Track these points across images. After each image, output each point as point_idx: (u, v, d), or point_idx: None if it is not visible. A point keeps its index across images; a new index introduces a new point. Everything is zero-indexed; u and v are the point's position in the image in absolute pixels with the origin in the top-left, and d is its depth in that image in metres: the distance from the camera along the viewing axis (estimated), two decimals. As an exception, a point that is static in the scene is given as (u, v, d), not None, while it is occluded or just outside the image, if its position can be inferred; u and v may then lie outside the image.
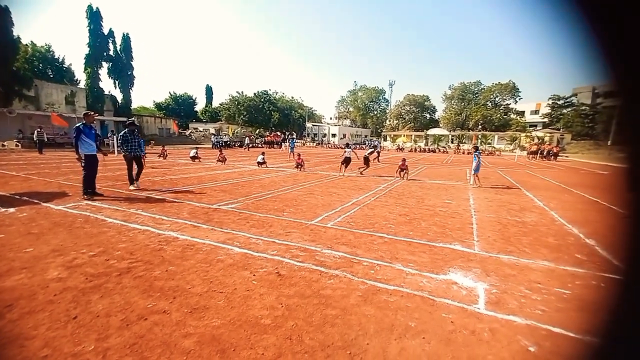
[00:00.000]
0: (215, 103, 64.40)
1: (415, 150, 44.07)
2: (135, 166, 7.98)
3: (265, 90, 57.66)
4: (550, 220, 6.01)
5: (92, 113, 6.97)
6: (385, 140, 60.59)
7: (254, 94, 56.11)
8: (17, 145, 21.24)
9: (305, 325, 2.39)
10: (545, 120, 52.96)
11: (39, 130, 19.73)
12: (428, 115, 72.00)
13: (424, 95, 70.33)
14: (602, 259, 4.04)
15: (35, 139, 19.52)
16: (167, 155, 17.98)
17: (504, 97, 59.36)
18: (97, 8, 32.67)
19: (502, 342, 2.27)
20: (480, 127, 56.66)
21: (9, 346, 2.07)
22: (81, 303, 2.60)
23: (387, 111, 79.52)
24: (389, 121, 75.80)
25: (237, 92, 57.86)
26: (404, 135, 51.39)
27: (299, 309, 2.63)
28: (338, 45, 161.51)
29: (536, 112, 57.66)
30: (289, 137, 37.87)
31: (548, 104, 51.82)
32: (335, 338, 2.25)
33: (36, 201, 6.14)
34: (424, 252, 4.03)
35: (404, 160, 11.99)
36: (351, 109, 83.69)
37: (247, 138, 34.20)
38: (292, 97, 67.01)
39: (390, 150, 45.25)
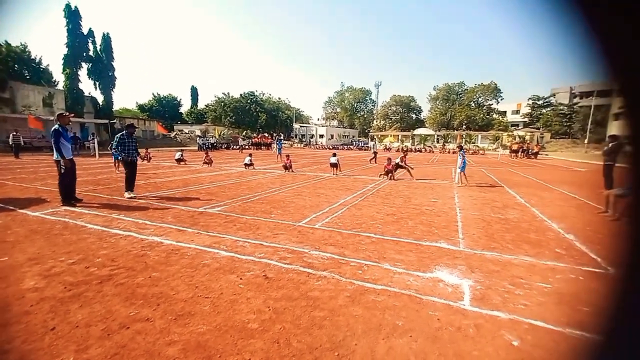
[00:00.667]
0: (201, 104, 63.43)
1: (402, 150, 44.62)
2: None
3: (251, 92, 57.28)
4: (532, 216, 6.19)
5: (67, 114, 6.52)
6: (373, 140, 61.11)
7: (241, 95, 55.63)
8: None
9: (293, 328, 2.37)
10: (526, 119, 54.71)
11: (14, 133, 18.94)
12: (414, 116, 73.16)
13: (410, 96, 71.47)
14: (580, 252, 4.19)
15: (10, 143, 18.71)
16: (150, 158, 17.55)
17: (487, 98, 60.97)
18: (75, 7, 31.66)
19: (487, 337, 2.32)
20: (464, 126, 57.99)
21: (-20, 362, 1.97)
22: (59, 313, 2.50)
23: (374, 112, 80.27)
24: (376, 121, 76.53)
25: (223, 93, 57.24)
26: (391, 136, 51.96)
27: (287, 311, 2.61)
28: (324, 45, 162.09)
29: (517, 112, 59.52)
30: (277, 138, 37.71)
31: (528, 104, 53.59)
32: (323, 340, 2.24)
33: (11, 208, 5.88)
34: (410, 251, 4.07)
35: (389, 159, 12.10)
36: (338, 110, 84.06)
37: (240, 139, 33.68)
38: (279, 98, 66.83)
39: (378, 150, 45.65)
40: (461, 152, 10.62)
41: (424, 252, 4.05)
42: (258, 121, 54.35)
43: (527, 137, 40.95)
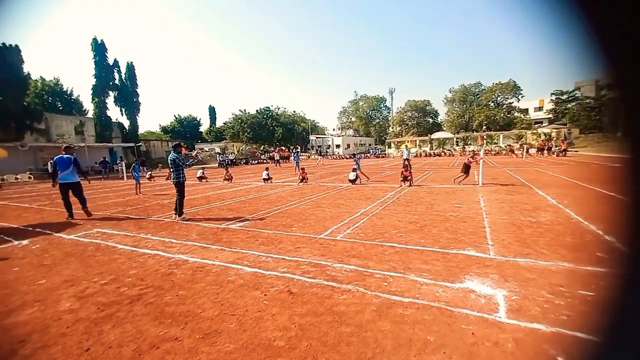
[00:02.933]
0: (219, 122, 65.58)
1: (420, 155, 43.85)
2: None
3: (267, 107, 58.62)
4: (566, 218, 5.84)
5: (70, 145, 7.79)
6: (389, 147, 60.54)
7: (257, 111, 57.05)
8: (30, 178, 21.81)
9: (320, 346, 2.32)
10: (550, 116, 52.42)
11: (51, 161, 20.31)
12: (431, 120, 72.01)
13: (425, 100, 70.56)
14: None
15: (50, 170, 20.05)
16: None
17: (506, 96, 59.13)
18: (101, 40, 34.03)
19: (528, 353, 2.16)
20: (484, 127, 56.34)
21: (22, 384, 2.05)
22: (93, 334, 2.58)
23: (390, 118, 79.77)
24: (392, 128, 75.92)
25: (239, 110, 58.92)
26: (408, 141, 51.28)
27: (313, 328, 2.56)
28: (337, 56, 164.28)
29: (540, 108, 57.18)
30: (294, 151, 38.13)
31: (551, 99, 51.38)
32: (351, 358, 2.17)
33: (48, 232, 6.23)
34: (437, 260, 3.93)
35: (406, 163, 11.89)
36: (353, 119, 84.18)
37: (275, 154, 33.81)
38: (294, 112, 67.86)
39: (396, 157, 45.11)
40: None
41: (451, 260, 3.89)
42: (275, 135, 55.34)
43: (554, 134, 39.16)
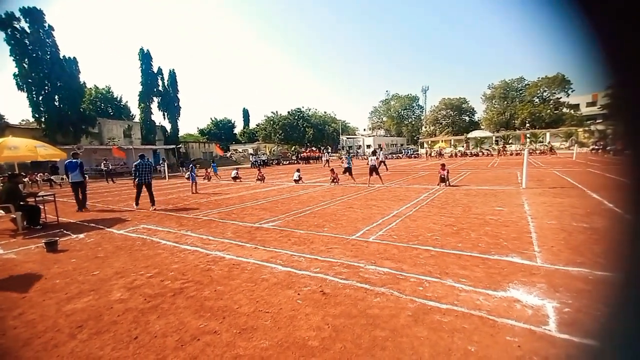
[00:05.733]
0: (252, 124, 67.67)
1: (456, 155, 41.97)
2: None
3: (298, 108, 59.42)
4: (626, 224, 5.25)
5: (77, 151, 9.70)
6: (422, 147, 58.65)
7: (288, 112, 58.05)
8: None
9: (354, 348, 2.29)
10: (606, 111, 47.58)
11: (105, 162, 22.28)
12: (467, 118, 68.67)
13: (461, 97, 67.43)
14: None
15: (104, 170, 22.00)
16: (210, 177, 19.08)
17: (553, 91, 54.70)
18: (147, 50, 36.59)
19: (584, 371, 1.96)
20: (528, 125, 52.61)
21: (81, 365, 2.25)
22: (141, 324, 2.77)
23: (422, 118, 77.31)
24: (425, 128, 73.51)
25: (272, 112, 60.30)
26: (442, 141, 49.35)
27: (346, 330, 2.54)
28: (369, 55, 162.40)
29: (593, 103, 52.13)
30: (324, 152, 38.30)
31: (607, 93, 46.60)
32: (387, 363, 2.12)
33: (101, 227, 6.81)
34: (476, 265, 3.72)
35: (443, 165, 11.45)
36: (385, 119, 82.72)
37: (326, 154, 33.00)
38: (325, 112, 68.17)
39: (429, 157, 43.61)
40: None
41: (492, 267, 3.67)
42: (306, 136, 55.94)
43: (610, 132, 35.55)
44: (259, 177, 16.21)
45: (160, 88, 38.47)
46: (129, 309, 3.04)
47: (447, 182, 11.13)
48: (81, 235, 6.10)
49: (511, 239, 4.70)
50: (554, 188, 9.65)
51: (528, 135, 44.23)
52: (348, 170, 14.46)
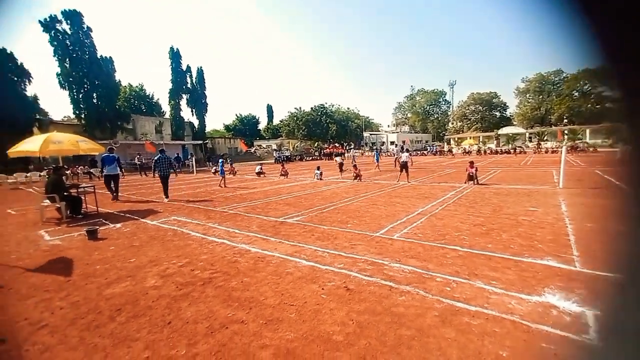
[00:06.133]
0: (276, 120, 68.53)
1: (485, 152, 40.25)
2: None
3: (322, 104, 59.36)
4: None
5: (112, 147, 10.52)
6: (449, 143, 56.77)
7: (311, 108, 58.16)
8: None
9: (379, 345, 2.28)
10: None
11: (138, 156, 23.57)
12: (498, 114, 65.53)
13: (491, 92, 64.40)
14: None
15: (137, 164, 23.27)
16: (236, 172, 19.59)
17: (596, 85, 50.80)
18: (177, 49, 37.96)
19: (629, 384, 1.83)
20: (565, 120, 49.36)
21: (119, 346, 2.40)
22: (173, 310, 2.91)
23: (449, 113, 74.71)
24: (452, 124, 71.02)
25: (295, 108, 60.70)
26: (470, 138, 47.48)
27: (371, 326, 2.53)
28: (394, 50, 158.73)
29: (642, 97, 47.89)
30: (347, 148, 38.10)
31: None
32: (413, 362, 2.09)
33: (136, 217, 7.20)
34: (508, 268, 3.56)
35: (471, 163, 11.02)
36: (409, 115, 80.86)
37: (353, 150, 32.04)
38: (348, 108, 67.65)
39: (456, 154, 42.14)
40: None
41: (526, 270, 3.50)
42: (328, 132, 55.87)
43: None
44: (283, 173, 16.41)
45: (188, 85, 39.82)
46: (163, 296, 3.20)
47: (476, 180, 10.71)
48: (118, 225, 6.49)
49: (547, 241, 4.45)
50: (595, 189, 9.01)
51: (566, 132, 41.51)
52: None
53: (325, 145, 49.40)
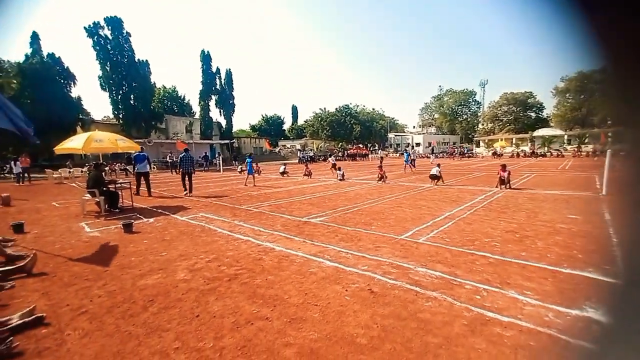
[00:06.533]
0: (300, 120, 69.16)
1: (518, 155, 38.25)
2: None
3: (346, 105, 59.16)
4: None
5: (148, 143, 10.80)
6: (478, 146, 54.54)
7: (336, 109, 58.10)
8: (153, 168, 26.80)
9: (404, 351, 2.23)
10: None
11: (170, 154, 24.74)
12: (533, 114, 62.02)
13: (526, 91, 61.06)
14: None
15: (169, 162, 24.43)
16: (260, 172, 19.97)
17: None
18: (207, 51, 39.40)
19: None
20: (610, 122, 45.73)
21: (151, 335, 2.52)
22: (201, 303, 3.01)
23: (479, 114, 71.76)
24: (482, 125, 68.15)
25: (320, 109, 60.86)
26: (502, 139, 45.32)
27: (396, 331, 2.47)
28: (421, 49, 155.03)
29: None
30: (371, 149, 37.70)
31: None
32: (440, 371, 2.02)
33: (167, 213, 7.54)
34: (544, 278, 3.35)
35: (503, 166, 10.50)
36: (436, 116, 78.53)
37: (382, 154, 29.54)
38: (373, 109, 66.87)
39: (485, 157, 40.40)
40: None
41: (564, 281, 3.27)
42: (353, 133, 55.55)
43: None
44: (306, 173, 16.52)
45: (217, 87, 41.19)
46: (191, 289, 3.32)
47: (508, 184, 10.19)
48: (151, 220, 6.83)
49: (589, 251, 4.15)
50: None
51: (610, 134, 38.48)
52: (434, 178, 11.92)
53: (349, 146, 49.16)
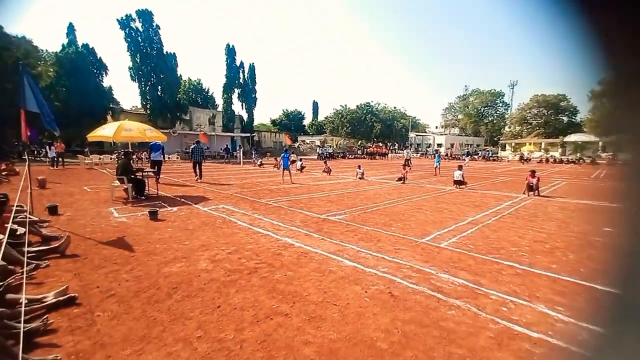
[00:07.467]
0: (321, 117, 69.05)
1: (547, 160, 36.51)
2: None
3: (367, 102, 58.40)
4: None
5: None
6: (503, 149, 52.51)
7: (357, 106, 57.50)
8: (177, 158, 27.61)
9: (426, 360, 2.17)
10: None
11: (193, 146, 25.35)
12: (566, 119, 58.85)
13: (559, 94, 57.93)
14: None
15: (189, 152, 25.04)
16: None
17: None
18: (232, 45, 39.95)
19: None
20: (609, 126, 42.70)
21: (175, 322, 2.59)
22: (223, 294, 3.07)
23: (507, 116, 68.92)
24: (509, 127, 65.44)
25: (340, 105, 60.33)
26: (530, 144, 43.41)
27: (417, 338, 2.41)
28: (446, 48, 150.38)
29: None
30: (391, 148, 37.08)
31: None
32: (465, 383, 1.95)
33: (190, 203, 7.74)
34: (578, 294, 3.18)
35: (532, 172, 10.03)
36: (460, 116, 76.07)
37: (409, 154, 24.88)
38: (395, 107, 65.67)
39: (511, 161, 38.83)
40: None
41: (600, 300, 3.07)
42: (373, 131, 54.87)
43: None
44: (326, 170, 16.49)
45: (240, 81, 41.73)
46: (213, 279, 3.39)
47: (537, 191, 9.74)
48: (174, 209, 7.03)
49: (626, 268, 3.88)
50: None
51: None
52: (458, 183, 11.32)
53: (369, 144, 48.62)
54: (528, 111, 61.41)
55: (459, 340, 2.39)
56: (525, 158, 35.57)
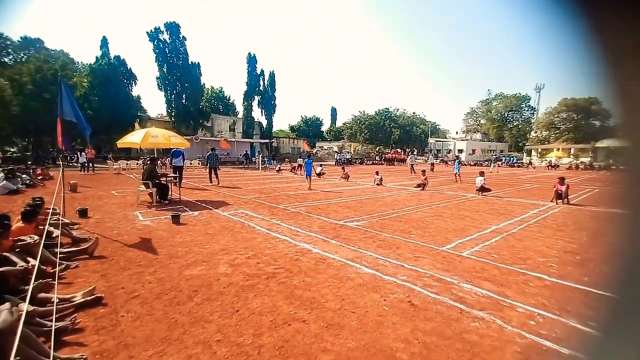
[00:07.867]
0: (339, 123, 69.22)
1: (577, 167, 34.70)
2: None
3: (386, 108, 58.01)
4: None
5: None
6: (529, 155, 50.44)
7: (375, 112, 57.21)
8: (199, 163, 28.45)
9: (448, 373, 2.09)
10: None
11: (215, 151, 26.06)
12: (597, 123, 55.80)
13: (590, 97, 55.10)
14: None
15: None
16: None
17: None
18: (253, 54, 41.02)
19: None
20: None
21: (195, 325, 2.64)
22: (241, 298, 3.10)
23: (533, 121, 66.27)
24: (536, 132, 62.83)
25: (359, 111, 60.25)
26: (558, 149, 41.46)
27: (439, 350, 2.33)
28: (469, 52, 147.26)
29: None
30: (409, 153, 36.57)
31: None
32: (490, 400, 1.86)
33: (210, 207, 7.93)
34: (614, 309, 2.96)
35: (561, 179, 9.56)
36: (482, 121, 73.90)
37: (412, 156, 25.23)
38: (414, 113, 64.80)
39: (538, 167, 37.20)
40: None
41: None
42: (391, 137, 54.31)
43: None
44: (344, 176, 16.45)
45: (261, 88, 42.67)
46: (232, 283, 3.44)
47: (566, 199, 9.26)
48: (195, 213, 7.23)
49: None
50: None
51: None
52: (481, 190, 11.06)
53: (387, 150, 48.13)
54: (556, 115, 58.77)
55: (483, 354, 2.29)
56: (553, 164, 33.99)
